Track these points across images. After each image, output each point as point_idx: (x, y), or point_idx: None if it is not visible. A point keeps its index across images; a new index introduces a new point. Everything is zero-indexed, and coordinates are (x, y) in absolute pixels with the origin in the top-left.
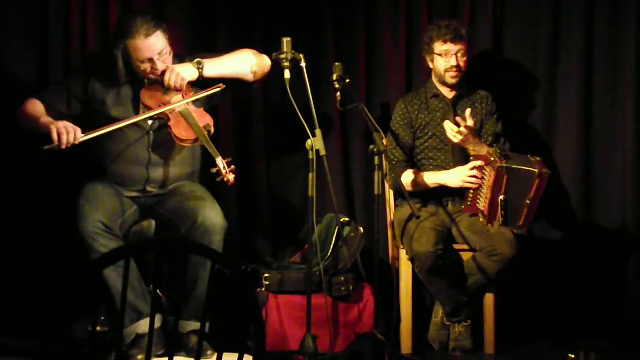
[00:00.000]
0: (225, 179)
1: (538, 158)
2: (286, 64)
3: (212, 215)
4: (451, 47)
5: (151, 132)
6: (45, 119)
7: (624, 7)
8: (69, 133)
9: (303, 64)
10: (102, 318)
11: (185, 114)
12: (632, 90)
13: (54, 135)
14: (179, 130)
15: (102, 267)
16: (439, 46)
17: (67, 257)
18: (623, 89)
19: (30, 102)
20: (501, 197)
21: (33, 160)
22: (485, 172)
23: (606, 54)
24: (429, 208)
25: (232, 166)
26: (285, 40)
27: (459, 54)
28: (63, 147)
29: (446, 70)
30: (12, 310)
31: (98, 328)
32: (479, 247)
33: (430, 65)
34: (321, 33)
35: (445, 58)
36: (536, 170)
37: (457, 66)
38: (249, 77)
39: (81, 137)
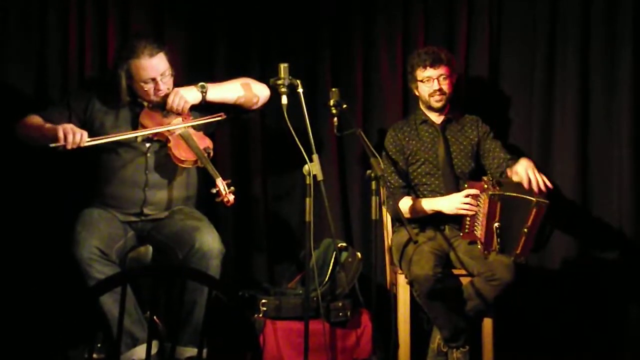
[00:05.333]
0: (225, 200)
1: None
2: (283, 89)
3: (209, 240)
4: (432, 72)
5: (148, 154)
6: (50, 125)
7: (619, 32)
8: (75, 134)
9: (300, 90)
10: (99, 345)
11: (186, 136)
12: (629, 113)
13: (60, 134)
14: (179, 151)
15: (99, 294)
16: (420, 73)
17: (63, 283)
18: (619, 111)
19: (29, 117)
20: (496, 224)
21: (30, 185)
22: (481, 200)
23: (602, 79)
24: (427, 233)
25: (232, 187)
26: (283, 67)
27: (440, 78)
28: (69, 147)
29: (430, 95)
30: (9, 338)
31: (95, 355)
32: (477, 272)
33: (416, 93)
34: (318, 59)
35: (427, 84)
36: (533, 199)
37: (440, 90)
38: (250, 104)
39: (87, 140)
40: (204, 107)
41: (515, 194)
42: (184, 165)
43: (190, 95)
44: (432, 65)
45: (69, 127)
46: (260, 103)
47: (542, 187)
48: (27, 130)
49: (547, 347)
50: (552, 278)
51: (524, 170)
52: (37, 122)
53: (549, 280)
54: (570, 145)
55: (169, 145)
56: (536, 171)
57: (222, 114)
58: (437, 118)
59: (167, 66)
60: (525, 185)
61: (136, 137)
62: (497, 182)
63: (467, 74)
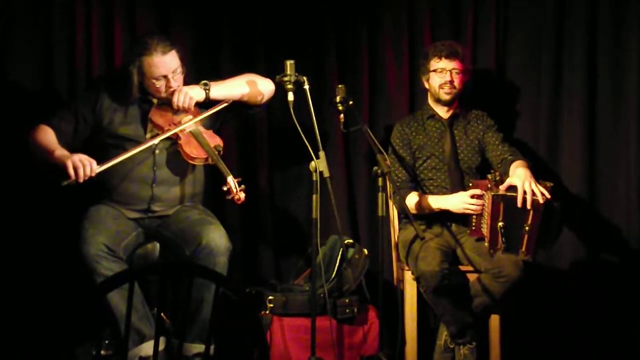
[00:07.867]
0: (236, 197)
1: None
2: (290, 86)
3: (216, 237)
4: (446, 64)
5: (157, 151)
6: (59, 152)
7: (627, 23)
8: (85, 166)
9: (307, 87)
10: (106, 342)
11: (196, 133)
12: (636, 108)
13: (71, 171)
14: (190, 148)
15: (107, 291)
16: (434, 63)
17: (70, 280)
18: (627, 107)
19: (41, 129)
20: (500, 224)
21: (36, 183)
22: (485, 199)
23: (610, 74)
24: (433, 229)
25: (243, 185)
26: (289, 63)
27: (453, 72)
28: (80, 180)
29: (440, 87)
30: (16, 335)
31: (102, 352)
32: (484, 268)
33: (426, 85)
34: (324, 55)
35: (440, 74)
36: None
37: (451, 82)
38: (255, 100)
39: (97, 168)
40: (209, 105)
41: (515, 194)
42: (194, 163)
43: (194, 92)
44: (448, 57)
45: (78, 159)
46: (265, 98)
47: (540, 199)
48: (36, 148)
49: (553, 343)
50: (559, 274)
51: (520, 184)
52: (47, 144)
53: (556, 276)
54: (578, 140)
55: (179, 142)
56: (533, 183)
57: (227, 100)
58: (444, 113)
59: (178, 64)
60: (519, 203)
61: (143, 148)
62: (501, 180)
63: (474, 68)
